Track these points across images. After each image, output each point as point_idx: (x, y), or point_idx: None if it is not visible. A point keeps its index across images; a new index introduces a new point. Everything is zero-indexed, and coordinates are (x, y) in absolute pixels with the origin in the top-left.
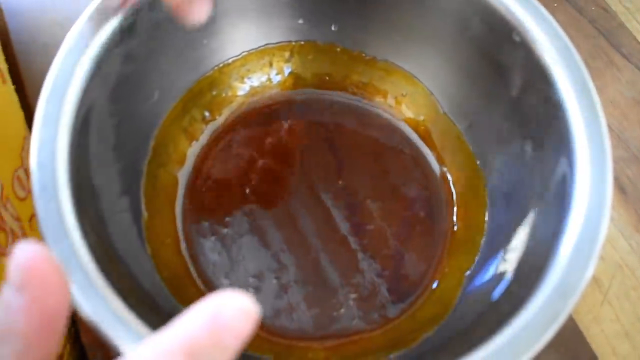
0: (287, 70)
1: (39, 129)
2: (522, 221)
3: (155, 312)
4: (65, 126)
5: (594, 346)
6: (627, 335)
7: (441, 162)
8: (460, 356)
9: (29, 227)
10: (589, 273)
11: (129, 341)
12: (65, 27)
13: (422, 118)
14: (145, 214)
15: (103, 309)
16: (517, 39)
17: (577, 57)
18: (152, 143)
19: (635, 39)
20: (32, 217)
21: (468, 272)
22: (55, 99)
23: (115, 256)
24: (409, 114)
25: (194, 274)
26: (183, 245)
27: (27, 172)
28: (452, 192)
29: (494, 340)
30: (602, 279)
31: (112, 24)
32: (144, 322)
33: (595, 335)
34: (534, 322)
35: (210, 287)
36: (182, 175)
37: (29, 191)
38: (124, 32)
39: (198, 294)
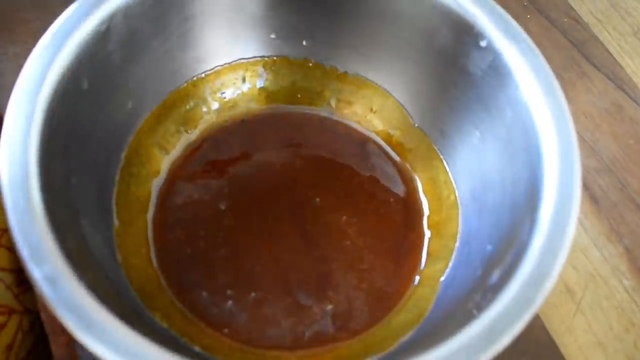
0: (260, 85)
1: (8, 135)
2: (493, 228)
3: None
4: (35, 132)
5: (567, 356)
6: (600, 345)
7: (413, 172)
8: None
9: None
10: (552, 281)
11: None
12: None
13: (393, 131)
14: (116, 222)
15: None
16: (483, 44)
17: (546, 65)
18: (125, 152)
19: (607, 50)
20: None
21: (442, 279)
22: (26, 106)
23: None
24: (381, 127)
25: (166, 285)
26: (155, 256)
27: None
28: (424, 201)
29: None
30: (575, 289)
31: (86, 30)
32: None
33: (569, 346)
34: (494, 326)
35: (183, 298)
36: (156, 186)
37: None
38: (98, 39)
39: (170, 305)
